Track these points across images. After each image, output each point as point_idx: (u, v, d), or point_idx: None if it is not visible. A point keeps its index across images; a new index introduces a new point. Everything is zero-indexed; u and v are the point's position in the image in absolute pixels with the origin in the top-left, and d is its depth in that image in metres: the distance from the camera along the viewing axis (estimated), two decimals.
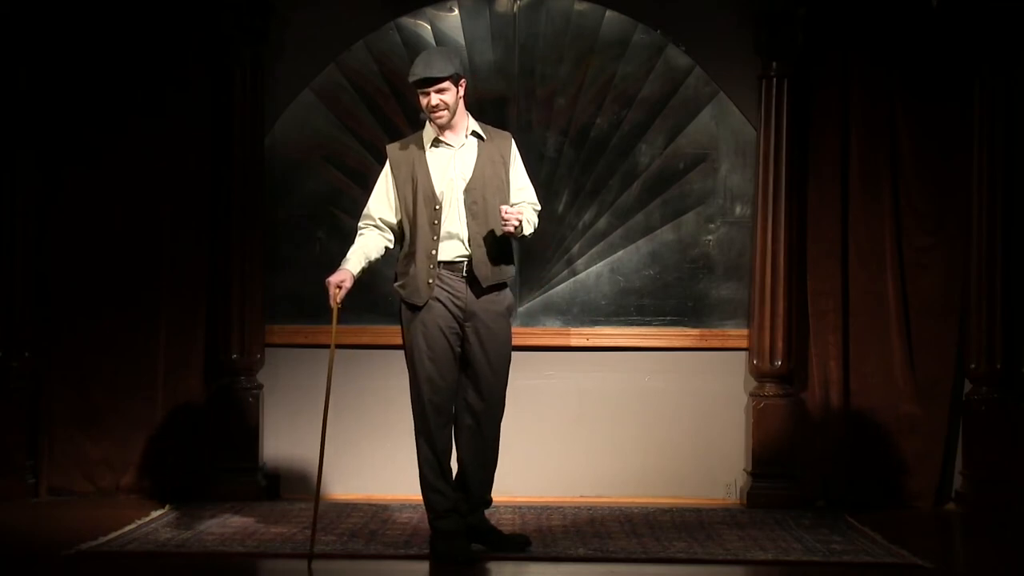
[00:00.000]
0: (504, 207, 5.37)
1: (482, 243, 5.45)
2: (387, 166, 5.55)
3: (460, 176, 5.48)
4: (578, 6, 6.73)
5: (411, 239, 5.45)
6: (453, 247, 5.44)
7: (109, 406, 6.68)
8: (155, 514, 6.24)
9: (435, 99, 5.40)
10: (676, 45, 6.74)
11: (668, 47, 6.75)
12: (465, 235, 5.45)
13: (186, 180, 6.70)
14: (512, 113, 6.72)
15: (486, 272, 5.46)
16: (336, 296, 5.44)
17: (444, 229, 5.43)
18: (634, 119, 6.77)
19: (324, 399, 5.47)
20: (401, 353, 6.62)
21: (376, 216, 5.54)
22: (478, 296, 5.46)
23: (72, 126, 6.68)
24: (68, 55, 6.66)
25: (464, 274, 5.45)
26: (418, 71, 5.39)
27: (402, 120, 6.73)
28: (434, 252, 5.42)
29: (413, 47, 6.72)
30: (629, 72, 6.75)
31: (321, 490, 6.72)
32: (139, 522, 6.05)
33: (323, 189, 6.81)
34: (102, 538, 5.70)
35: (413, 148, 5.52)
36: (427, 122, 5.54)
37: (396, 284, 5.52)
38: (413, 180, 5.45)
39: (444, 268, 5.43)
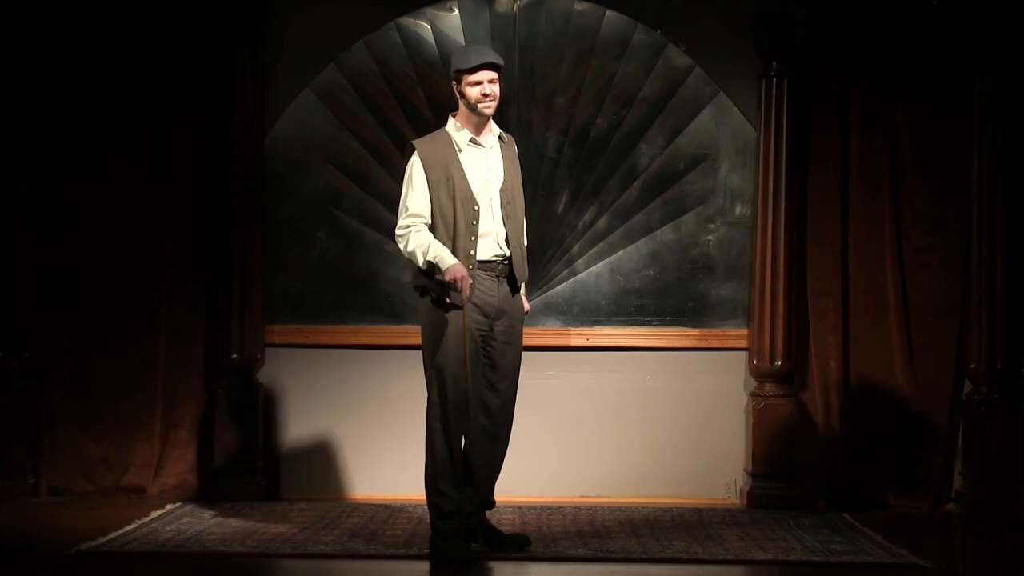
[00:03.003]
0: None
1: (517, 244, 5.51)
2: (419, 164, 5.43)
3: (494, 177, 5.50)
4: (578, 6, 6.73)
5: (449, 239, 5.39)
6: (489, 247, 5.44)
7: (109, 406, 6.68)
8: (155, 514, 6.24)
9: (488, 88, 5.41)
10: (676, 45, 6.74)
11: (668, 47, 6.75)
12: (502, 235, 5.47)
13: (186, 180, 6.71)
14: (512, 113, 6.71)
15: (521, 272, 5.54)
16: (467, 289, 5.33)
17: (481, 229, 5.43)
18: (634, 119, 6.77)
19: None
20: (401, 353, 6.65)
21: (424, 215, 5.40)
22: (511, 295, 5.51)
23: (72, 126, 6.69)
24: (68, 55, 6.66)
25: (499, 274, 5.46)
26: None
27: (402, 120, 6.73)
28: (472, 252, 5.40)
29: (413, 47, 6.72)
30: (629, 72, 6.75)
31: (323, 489, 6.74)
32: (139, 522, 6.05)
33: (323, 189, 6.80)
34: (102, 538, 5.70)
35: (444, 147, 5.48)
36: (451, 117, 5.52)
37: (427, 282, 5.41)
38: (448, 180, 5.41)
39: (479, 268, 5.43)
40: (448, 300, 5.37)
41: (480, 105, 5.42)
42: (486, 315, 5.45)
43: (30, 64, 6.62)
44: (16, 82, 6.62)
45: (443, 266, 5.30)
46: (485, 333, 5.46)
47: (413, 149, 5.49)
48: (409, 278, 5.64)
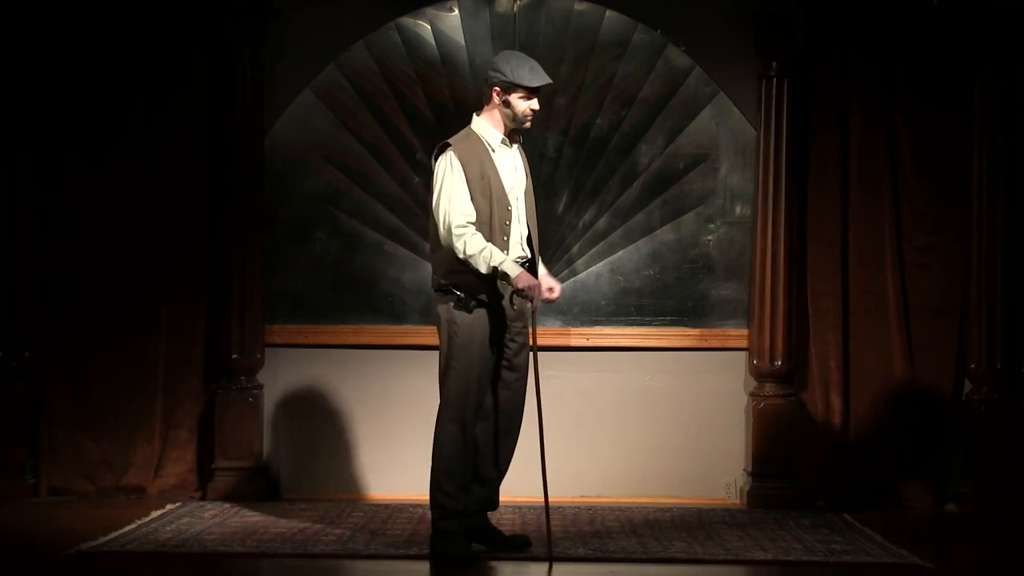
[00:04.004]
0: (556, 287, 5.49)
1: (535, 246, 5.54)
2: (457, 164, 5.38)
3: (520, 178, 5.53)
4: (578, 6, 6.73)
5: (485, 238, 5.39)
6: (515, 249, 5.46)
7: (109, 406, 6.68)
8: (155, 514, 6.24)
9: (536, 104, 5.45)
10: (676, 45, 6.74)
11: (668, 47, 6.75)
12: (525, 236, 5.50)
13: (186, 180, 6.71)
14: None
15: (538, 273, 5.54)
16: (538, 295, 5.37)
17: (512, 230, 5.45)
18: (634, 119, 6.77)
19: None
20: (401, 353, 6.64)
21: (472, 215, 5.36)
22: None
23: (72, 126, 6.69)
24: (68, 55, 6.66)
25: None
26: (543, 77, 5.43)
27: (402, 120, 6.73)
28: (506, 252, 5.40)
29: (413, 47, 6.72)
30: (629, 72, 6.75)
31: (323, 489, 6.74)
32: (139, 522, 6.05)
33: (323, 189, 6.80)
34: (102, 538, 5.70)
35: (477, 147, 5.46)
36: (475, 116, 5.51)
37: (459, 285, 5.38)
38: (484, 179, 5.40)
39: None
40: (514, 307, 5.43)
41: (526, 120, 5.46)
42: (508, 317, 5.47)
43: (30, 64, 6.62)
44: (16, 82, 6.62)
45: (512, 273, 5.31)
46: (503, 334, 5.47)
47: (447, 147, 5.44)
48: (437, 276, 5.48)
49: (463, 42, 6.69)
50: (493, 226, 5.40)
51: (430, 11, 6.74)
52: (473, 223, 5.35)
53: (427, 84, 6.72)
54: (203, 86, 6.72)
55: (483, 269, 5.32)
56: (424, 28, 6.74)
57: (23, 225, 6.66)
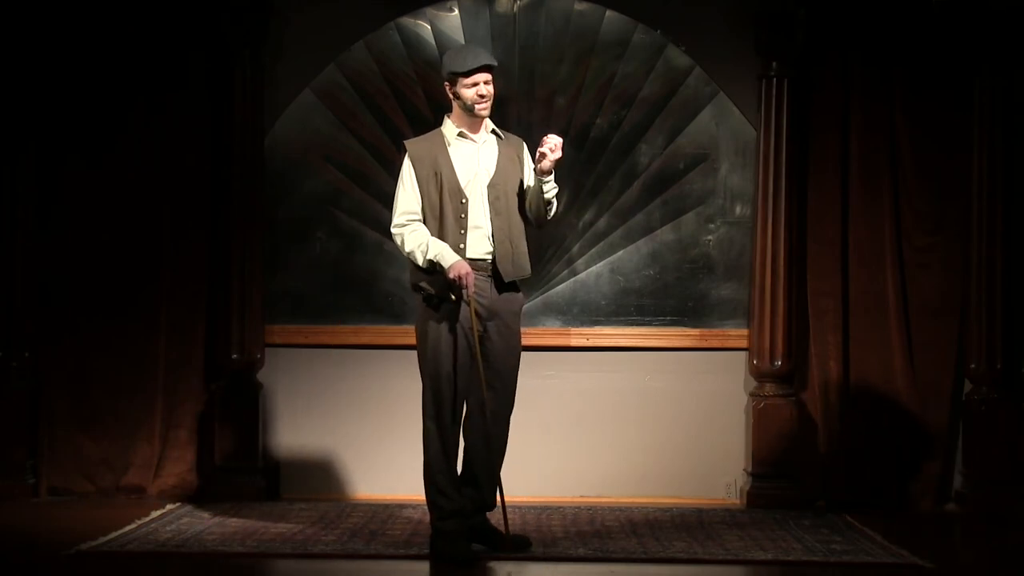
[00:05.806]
0: (550, 136, 5.38)
1: (505, 240, 5.47)
2: (408, 162, 5.47)
3: (484, 171, 5.49)
4: (578, 6, 6.73)
5: (438, 235, 5.41)
6: (480, 243, 5.43)
7: (109, 406, 6.68)
8: (155, 514, 6.24)
9: (484, 88, 5.42)
10: (676, 45, 6.74)
11: (668, 47, 6.75)
12: (489, 231, 5.45)
13: (186, 180, 6.71)
14: (512, 113, 6.71)
15: (509, 269, 5.48)
16: (472, 285, 5.31)
17: (471, 223, 5.42)
18: (634, 119, 6.77)
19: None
20: (401, 353, 6.63)
21: (415, 212, 5.43)
22: (500, 294, 5.47)
23: (72, 126, 6.69)
24: (68, 55, 6.66)
25: (490, 273, 5.44)
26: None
27: (402, 120, 6.73)
28: (462, 246, 5.39)
29: (413, 47, 6.73)
30: (629, 72, 6.75)
31: (323, 489, 6.75)
32: (139, 522, 6.05)
33: (323, 189, 6.81)
34: (102, 538, 5.71)
35: (433, 143, 5.50)
36: (445, 117, 5.54)
37: (421, 283, 5.42)
38: (437, 175, 5.42)
39: (471, 265, 5.40)
40: (453, 297, 5.37)
41: (477, 107, 5.44)
42: (478, 316, 5.43)
43: (30, 64, 6.62)
44: (16, 82, 6.62)
45: (445, 264, 5.31)
46: (479, 333, 5.45)
47: (405, 148, 5.53)
48: (409, 276, 5.59)
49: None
50: (447, 220, 5.40)
51: (430, 11, 6.75)
52: (415, 219, 5.40)
53: (427, 84, 6.72)
54: (203, 86, 6.72)
55: (421, 262, 5.36)
56: (424, 28, 6.74)
57: (23, 225, 6.66)
